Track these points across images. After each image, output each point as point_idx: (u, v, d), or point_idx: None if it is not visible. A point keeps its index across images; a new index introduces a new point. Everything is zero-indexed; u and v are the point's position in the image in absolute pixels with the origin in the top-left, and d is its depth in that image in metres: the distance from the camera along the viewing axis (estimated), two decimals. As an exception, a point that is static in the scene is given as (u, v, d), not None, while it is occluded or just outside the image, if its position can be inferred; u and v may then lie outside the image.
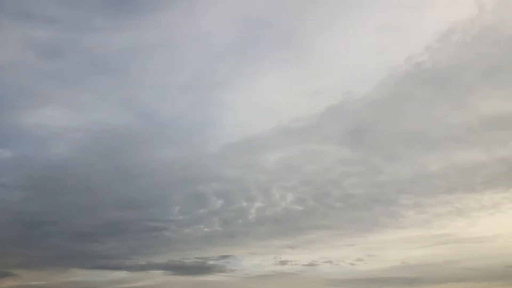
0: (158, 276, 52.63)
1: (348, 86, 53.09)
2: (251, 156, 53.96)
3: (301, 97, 56.42)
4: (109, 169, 53.64)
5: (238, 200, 54.41)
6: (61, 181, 52.37)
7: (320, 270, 53.50)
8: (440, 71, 50.14)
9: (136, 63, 57.76)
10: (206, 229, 54.41)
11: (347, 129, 52.92)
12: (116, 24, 54.47)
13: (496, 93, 49.19)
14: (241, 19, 56.99)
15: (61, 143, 54.04)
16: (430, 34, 50.09)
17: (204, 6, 55.52)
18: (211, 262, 53.66)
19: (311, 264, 54.16)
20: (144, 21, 54.97)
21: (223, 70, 58.04)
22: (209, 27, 56.74)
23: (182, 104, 58.59)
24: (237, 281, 52.50)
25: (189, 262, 53.42)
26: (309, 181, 54.06)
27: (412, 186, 52.37)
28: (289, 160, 54.16)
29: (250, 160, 53.97)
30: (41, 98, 54.59)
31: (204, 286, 52.61)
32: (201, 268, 53.15)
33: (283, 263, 54.43)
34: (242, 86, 58.68)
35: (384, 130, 53.21)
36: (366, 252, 53.04)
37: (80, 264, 51.53)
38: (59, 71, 54.82)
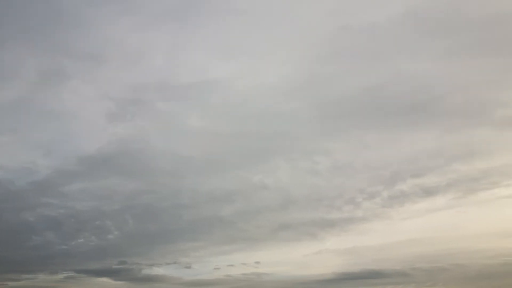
0: (93, 280, 57.16)
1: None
2: (66, 187, 60.48)
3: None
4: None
5: (91, 221, 59.26)
6: None
7: (234, 273, 57.70)
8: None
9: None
10: (91, 243, 58.71)
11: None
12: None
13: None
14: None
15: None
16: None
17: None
18: (114, 267, 57.68)
19: (216, 268, 57.66)
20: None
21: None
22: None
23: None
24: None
25: (95, 268, 57.54)
26: (134, 206, 60.21)
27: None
28: (98, 191, 60.59)
29: (67, 189, 60.42)
30: None
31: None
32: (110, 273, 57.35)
33: (187, 267, 57.84)
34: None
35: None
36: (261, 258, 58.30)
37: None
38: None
